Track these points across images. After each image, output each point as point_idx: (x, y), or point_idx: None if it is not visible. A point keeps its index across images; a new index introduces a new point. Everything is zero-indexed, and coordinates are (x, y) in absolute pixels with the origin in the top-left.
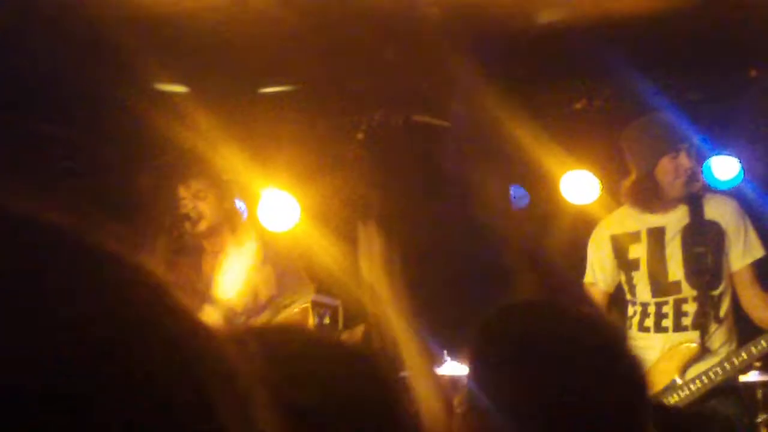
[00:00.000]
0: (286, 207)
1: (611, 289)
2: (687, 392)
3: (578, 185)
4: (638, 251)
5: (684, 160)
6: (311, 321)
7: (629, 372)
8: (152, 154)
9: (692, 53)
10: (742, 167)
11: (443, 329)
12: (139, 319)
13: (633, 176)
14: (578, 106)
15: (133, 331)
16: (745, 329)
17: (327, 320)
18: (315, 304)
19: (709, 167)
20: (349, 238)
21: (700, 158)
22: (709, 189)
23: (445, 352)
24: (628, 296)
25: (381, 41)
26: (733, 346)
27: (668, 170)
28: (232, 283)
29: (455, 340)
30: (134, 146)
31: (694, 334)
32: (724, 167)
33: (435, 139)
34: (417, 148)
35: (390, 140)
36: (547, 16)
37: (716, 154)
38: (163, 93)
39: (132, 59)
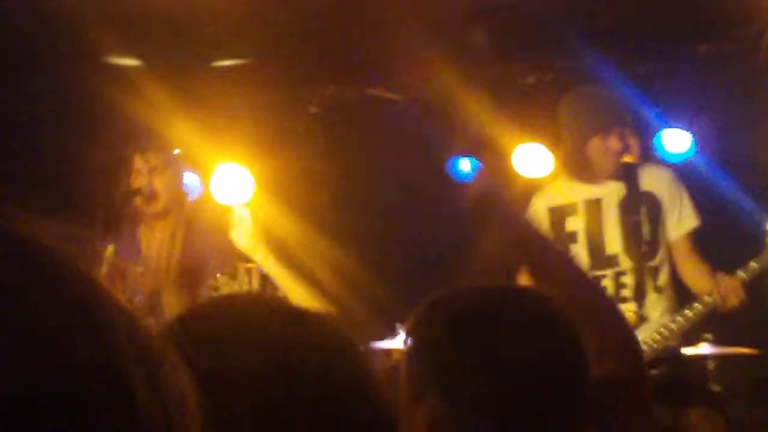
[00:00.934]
0: (240, 181)
1: None
2: None
3: (531, 158)
4: (576, 223)
5: (614, 143)
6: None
7: (557, 334)
8: (104, 127)
9: (643, 26)
10: (694, 140)
11: (399, 301)
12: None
13: (566, 147)
14: (530, 79)
15: (47, 300)
16: (685, 299)
17: (280, 293)
18: (267, 278)
19: (660, 140)
20: (303, 212)
21: (641, 135)
22: (646, 159)
23: (398, 324)
24: None
25: (334, 13)
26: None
27: (598, 149)
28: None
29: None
30: (86, 120)
31: (634, 305)
32: (676, 140)
33: (388, 113)
34: (370, 121)
35: (343, 113)
36: None
37: (667, 127)
38: (115, 66)
39: (84, 32)
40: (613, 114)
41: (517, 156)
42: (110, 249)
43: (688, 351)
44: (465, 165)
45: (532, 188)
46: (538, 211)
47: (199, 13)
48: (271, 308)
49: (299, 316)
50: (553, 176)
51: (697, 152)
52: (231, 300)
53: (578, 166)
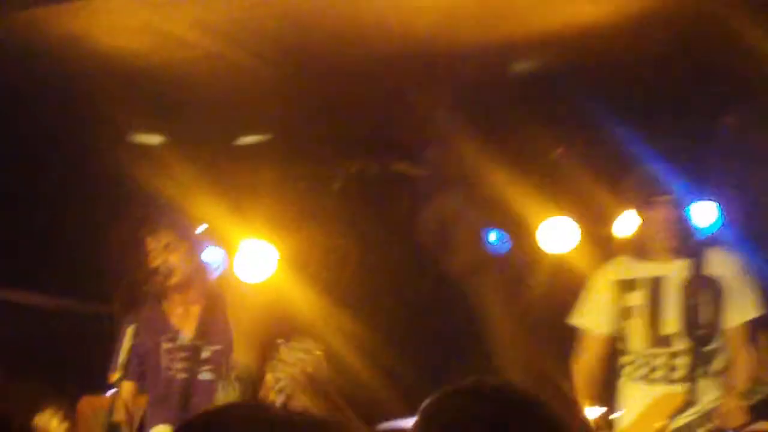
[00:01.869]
0: (264, 256)
1: (608, 335)
2: None
3: (557, 232)
4: (636, 300)
5: (658, 214)
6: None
7: None
8: (128, 205)
9: (668, 99)
10: (721, 212)
11: (421, 378)
12: None
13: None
14: (557, 152)
15: None
16: None
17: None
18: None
19: (689, 213)
20: (326, 287)
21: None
22: (713, 242)
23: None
24: (619, 345)
25: (358, 90)
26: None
27: (649, 223)
28: (202, 332)
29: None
30: (111, 198)
31: (684, 387)
32: (703, 213)
33: (413, 188)
34: (394, 197)
35: (367, 189)
36: (522, 64)
37: (695, 200)
38: (139, 144)
39: (108, 111)
40: (654, 186)
41: (543, 231)
42: (131, 329)
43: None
44: (492, 236)
45: (558, 263)
46: (600, 284)
47: (222, 91)
48: (271, 422)
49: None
50: (587, 251)
51: (724, 224)
52: (228, 413)
53: (637, 247)
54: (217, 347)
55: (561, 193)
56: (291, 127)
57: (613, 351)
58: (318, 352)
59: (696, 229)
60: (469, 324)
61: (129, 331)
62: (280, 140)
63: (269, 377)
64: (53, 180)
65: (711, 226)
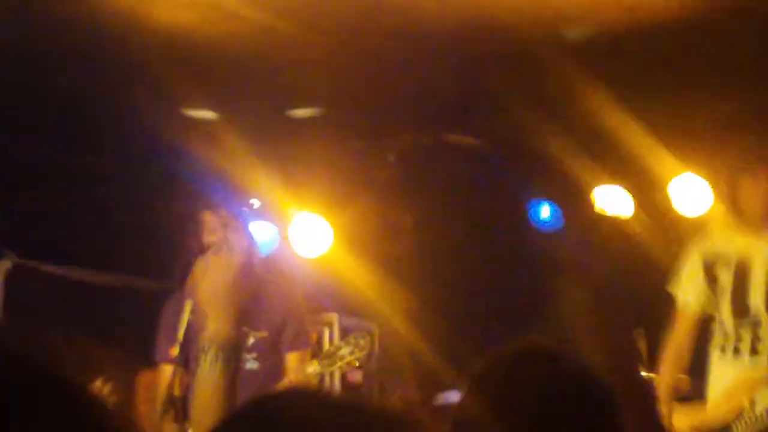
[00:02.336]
0: (318, 231)
1: (700, 308)
2: (751, 421)
3: (612, 199)
4: (725, 274)
5: (760, 183)
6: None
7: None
8: (183, 180)
9: (725, 63)
10: None
11: (476, 351)
12: None
13: (720, 188)
14: (611, 121)
15: None
16: None
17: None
18: (349, 329)
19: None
20: (381, 261)
21: None
22: None
23: None
24: (710, 317)
25: (410, 61)
26: None
27: (746, 193)
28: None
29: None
30: (166, 173)
31: (766, 359)
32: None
33: (466, 158)
34: (448, 168)
35: (421, 161)
36: (574, 31)
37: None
38: (193, 119)
39: (161, 86)
40: (753, 153)
41: (599, 196)
42: (189, 304)
43: None
44: (545, 210)
45: (617, 226)
46: (693, 258)
47: (274, 64)
48: (328, 406)
49: (361, 417)
50: (643, 218)
51: None
52: (281, 400)
53: (731, 218)
54: (264, 334)
55: (615, 160)
56: (344, 100)
57: (705, 323)
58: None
59: None
60: (528, 296)
61: (187, 306)
62: (334, 113)
63: (315, 367)
64: (108, 156)
65: None
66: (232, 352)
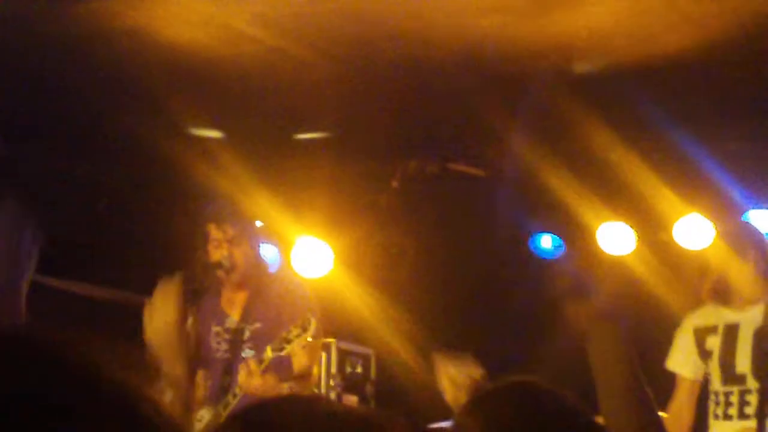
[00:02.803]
0: (319, 254)
1: (696, 377)
2: None
3: (614, 236)
4: (713, 343)
5: (751, 269)
6: (316, 357)
7: None
8: (187, 198)
9: (731, 102)
10: None
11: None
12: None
13: (712, 276)
14: (615, 156)
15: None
16: None
17: (359, 369)
18: (347, 353)
19: (747, 220)
20: (381, 286)
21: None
22: None
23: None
24: (707, 386)
25: (417, 88)
26: None
27: (735, 274)
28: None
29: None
30: (170, 191)
31: (755, 423)
32: (762, 220)
33: (470, 188)
34: (451, 196)
35: (425, 188)
36: (583, 65)
37: (755, 207)
38: (198, 138)
39: (168, 104)
40: (745, 241)
41: (601, 233)
42: (191, 320)
43: None
44: (546, 241)
45: (615, 266)
46: (686, 331)
47: (281, 86)
48: (331, 413)
49: (358, 422)
50: (643, 256)
51: None
52: (291, 404)
53: (720, 294)
54: (257, 325)
55: (619, 197)
56: (349, 124)
57: (704, 393)
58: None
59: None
60: (526, 322)
61: (188, 322)
62: (339, 137)
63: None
64: (115, 170)
65: None
66: None
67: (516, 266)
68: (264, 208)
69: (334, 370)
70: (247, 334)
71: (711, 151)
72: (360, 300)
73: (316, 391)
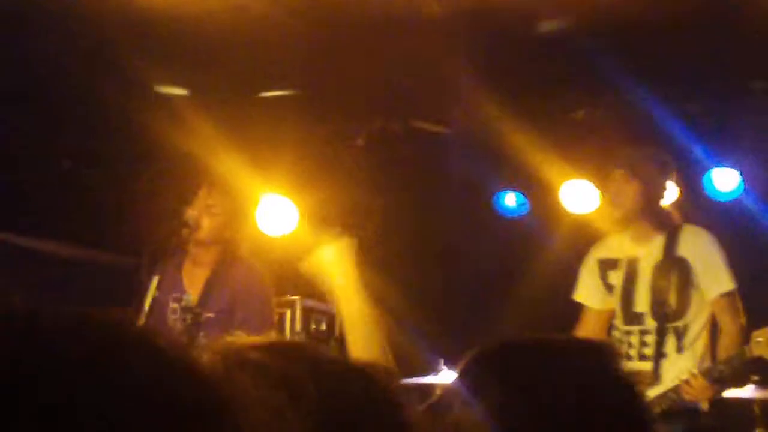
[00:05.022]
0: (284, 211)
1: (603, 308)
2: None
3: (578, 194)
4: (615, 278)
5: (608, 186)
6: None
7: (618, 384)
8: (151, 157)
9: (693, 64)
10: (743, 179)
11: (442, 336)
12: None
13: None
14: (579, 114)
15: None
16: None
17: (323, 326)
18: (312, 310)
19: (710, 179)
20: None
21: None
22: (695, 198)
23: (441, 360)
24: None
25: (381, 47)
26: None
27: (614, 192)
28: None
29: (453, 348)
30: (134, 148)
31: (652, 364)
32: (725, 179)
33: (434, 145)
34: (415, 155)
35: (390, 147)
36: (549, 23)
37: (717, 166)
38: (163, 96)
39: (132, 62)
40: (616, 158)
41: (564, 192)
42: (155, 281)
43: (732, 394)
44: (510, 199)
45: (578, 224)
46: (590, 267)
47: (246, 44)
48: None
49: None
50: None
51: (746, 191)
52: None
53: (607, 211)
54: (211, 315)
55: (582, 155)
56: (314, 82)
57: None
58: None
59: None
60: (493, 278)
61: (153, 282)
62: (304, 95)
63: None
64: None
65: (732, 192)
66: None
67: (480, 224)
68: (228, 166)
69: (298, 327)
70: (202, 319)
71: (673, 112)
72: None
73: None
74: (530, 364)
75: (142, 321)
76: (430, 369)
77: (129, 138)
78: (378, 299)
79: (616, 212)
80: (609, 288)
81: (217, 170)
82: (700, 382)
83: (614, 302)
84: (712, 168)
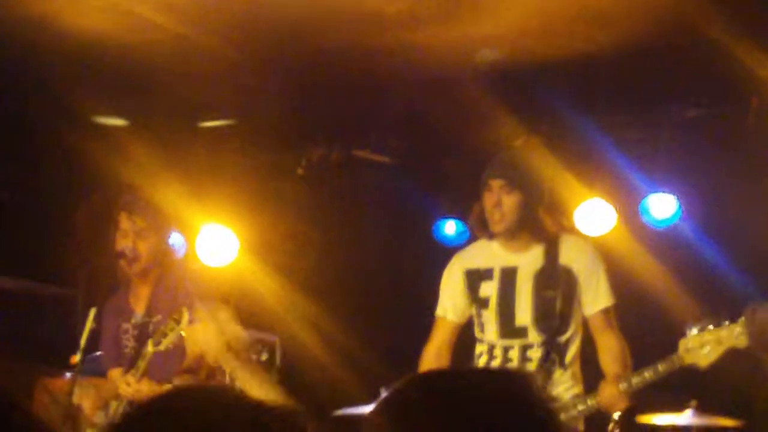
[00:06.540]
0: (224, 242)
1: (460, 321)
2: None
3: None
4: (489, 290)
5: (486, 197)
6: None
7: (532, 414)
8: (89, 188)
9: (630, 93)
10: (680, 205)
11: (382, 364)
12: None
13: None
14: (518, 142)
15: None
16: (591, 374)
17: (264, 357)
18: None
19: (647, 205)
20: (287, 274)
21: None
22: (565, 229)
23: (382, 388)
24: (477, 333)
25: (321, 78)
26: (577, 390)
27: (483, 206)
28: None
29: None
30: (71, 180)
31: (538, 379)
32: (662, 205)
33: (375, 176)
34: (356, 184)
35: (330, 176)
36: (485, 55)
37: (654, 192)
38: (102, 126)
39: (71, 92)
40: (490, 169)
41: None
42: (92, 313)
43: (669, 421)
44: (450, 227)
45: None
46: (455, 273)
47: (187, 74)
48: (229, 402)
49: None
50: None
51: (683, 217)
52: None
53: (479, 222)
54: (158, 318)
55: None
56: (254, 112)
57: (471, 339)
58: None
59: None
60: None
61: (91, 314)
62: (243, 125)
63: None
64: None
65: (669, 218)
66: None
67: (420, 252)
68: (168, 196)
69: None
70: (151, 328)
71: (611, 139)
72: (265, 288)
73: (220, 377)
74: (441, 398)
75: (78, 355)
76: (370, 397)
77: (67, 168)
78: (315, 327)
79: (498, 226)
80: (478, 301)
81: (128, 190)
82: (614, 392)
83: (486, 316)
84: (649, 194)
